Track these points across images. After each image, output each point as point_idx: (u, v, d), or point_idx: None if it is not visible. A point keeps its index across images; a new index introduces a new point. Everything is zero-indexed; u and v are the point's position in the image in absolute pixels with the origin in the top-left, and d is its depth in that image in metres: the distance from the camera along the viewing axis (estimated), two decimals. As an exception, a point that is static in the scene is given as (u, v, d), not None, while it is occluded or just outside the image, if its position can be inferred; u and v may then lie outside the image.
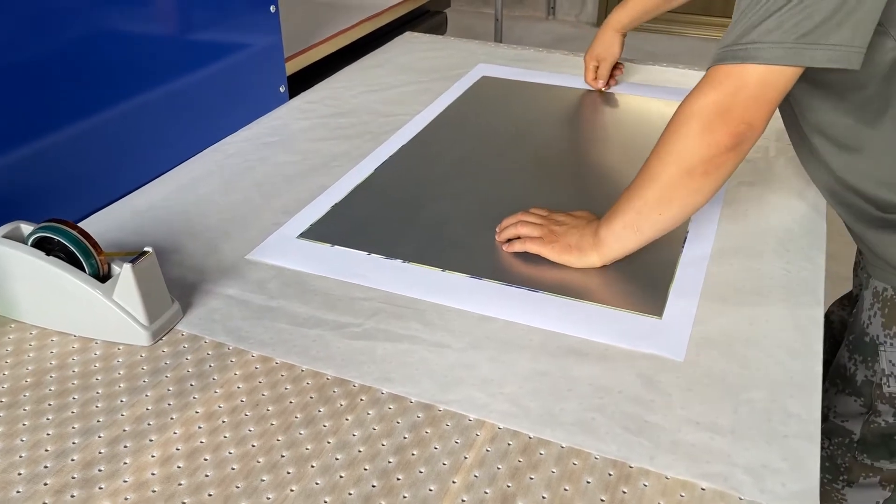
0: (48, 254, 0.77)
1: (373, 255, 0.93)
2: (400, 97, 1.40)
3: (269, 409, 0.70)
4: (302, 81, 1.50)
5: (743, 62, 0.75)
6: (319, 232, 0.97)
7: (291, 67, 1.52)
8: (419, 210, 1.03)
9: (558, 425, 0.68)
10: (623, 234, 0.86)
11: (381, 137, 1.23)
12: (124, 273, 0.75)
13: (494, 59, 1.59)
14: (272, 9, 1.29)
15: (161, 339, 0.79)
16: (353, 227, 0.98)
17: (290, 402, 0.71)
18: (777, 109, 0.81)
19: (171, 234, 0.97)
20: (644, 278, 0.88)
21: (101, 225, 0.99)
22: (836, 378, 1.00)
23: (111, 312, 0.76)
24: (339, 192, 1.07)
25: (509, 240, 0.93)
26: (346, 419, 0.69)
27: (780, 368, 0.75)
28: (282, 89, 1.37)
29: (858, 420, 0.97)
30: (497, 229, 0.95)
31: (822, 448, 1.01)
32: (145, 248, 0.77)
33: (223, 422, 0.68)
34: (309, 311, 0.83)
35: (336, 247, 0.94)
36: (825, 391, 1.01)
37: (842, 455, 1.00)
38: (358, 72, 1.52)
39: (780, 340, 0.79)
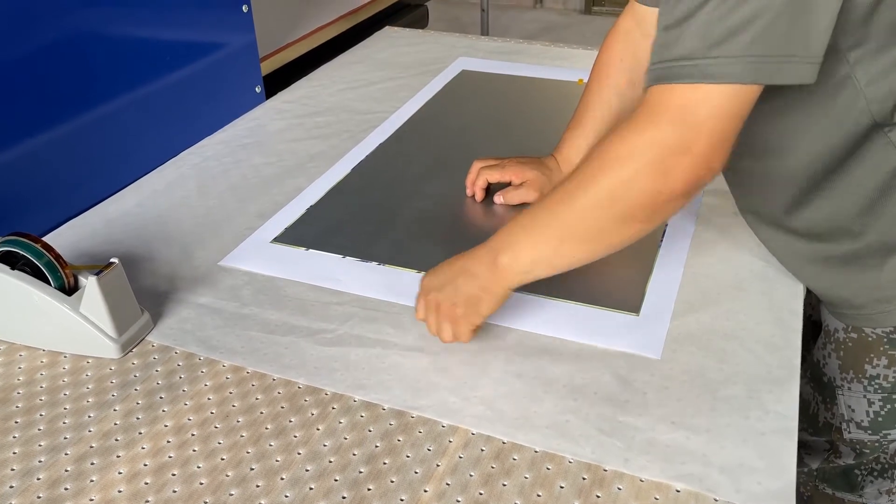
0: (13, 268, 0.76)
1: (347, 257, 0.91)
2: (378, 94, 1.38)
3: (240, 420, 0.69)
4: (281, 80, 1.49)
5: (703, 81, 0.61)
6: (294, 236, 0.96)
7: (269, 66, 1.50)
8: (396, 210, 1.02)
9: (532, 428, 0.67)
10: (533, 269, 0.72)
11: (359, 136, 1.22)
12: (90, 286, 0.73)
13: (475, 52, 1.57)
14: (244, 8, 1.27)
15: (131, 350, 0.77)
16: (329, 230, 0.97)
17: (261, 413, 0.70)
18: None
19: (144, 241, 0.96)
20: (621, 274, 0.87)
21: (73, 234, 0.98)
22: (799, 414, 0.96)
23: (78, 326, 0.75)
24: (314, 194, 1.05)
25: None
26: (317, 429, 0.68)
27: (758, 363, 0.74)
28: (258, 89, 1.35)
29: (818, 457, 0.95)
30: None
31: None
32: (111, 260, 0.76)
33: (192, 435, 0.67)
34: (282, 318, 0.82)
35: (311, 250, 0.93)
36: None
37: (804, 483, 0.98)
38: (336, 69, 1.51)
39: (758, 334, 0.78)
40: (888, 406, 0.84)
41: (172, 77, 1.17)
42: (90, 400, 0.72)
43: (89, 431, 0.68)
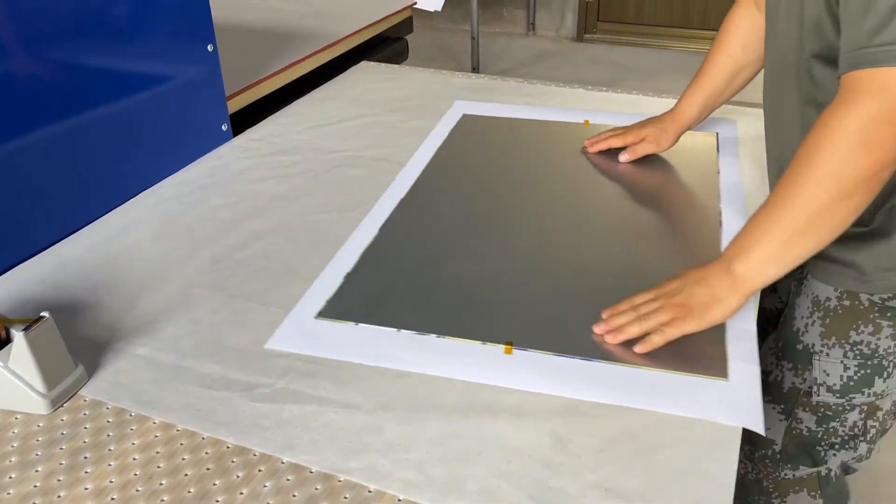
0: (-58, 321, 0.74)
1: (403, 331, 0.85)
2: (348, 132, 1.37)
3: (163, 483, 0.67)
4: (254, 116, 1.48)
5: None
6: (338, 309, 0.89)
7: (241, 102, 1.50)
8: (437, 274, 0.95)
9: (462, 494, 0.65)
10: (765, 268, 0.78)
11: (323, 176, 1.21)
12: (17, 341, 0.72)
13: (450, 88, 1.56)
14: (209, 48, 1.27)
15: (62, 405, 0.76)
16: (373, 301, 0.90)
17: (186, 475, 0.68)
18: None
19: (90, 288, 0.94)
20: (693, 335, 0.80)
21: (22, 278, 0.97)
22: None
23: (6, 380, 0.74)
24: (347, 259, 0.98)
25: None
26: (241, 493, 0.66)
27: (700, 424, 0.72)
28: (224, 128, 1.35)
29: (779, 427, 0.96)
30: (602, 330, 0.82)
31: (748, 472, 1.00)
32: (42, 314, 0.75)
33: (112, 499, 0.65)
34: (220, 371, 0.80)
35: (360, 325, 0.86)
36: None
37: (766, 476, 1.00)
38: (307, 106, 1.50)
39: (704, 391, 0.76)
40: (861, 372, 0.89)
41: (134, 117, 1.16)
42: (13, 459, 0.70)
43: (8, 494, 0.66)
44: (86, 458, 0.70)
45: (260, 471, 0.68)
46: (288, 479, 0.67)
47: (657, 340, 0.79)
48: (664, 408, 0.73)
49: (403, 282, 0.94)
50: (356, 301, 0.90)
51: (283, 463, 0.69)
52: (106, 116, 1.12)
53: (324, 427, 0.73)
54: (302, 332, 0.86)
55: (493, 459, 0.69)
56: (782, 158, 0.91)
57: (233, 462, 0.69)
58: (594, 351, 0.80)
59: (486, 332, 0.84)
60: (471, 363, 0.80)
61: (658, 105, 1.38)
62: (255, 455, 0.70)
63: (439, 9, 3.18)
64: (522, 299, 0.90)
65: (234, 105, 1.49)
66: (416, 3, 2.17)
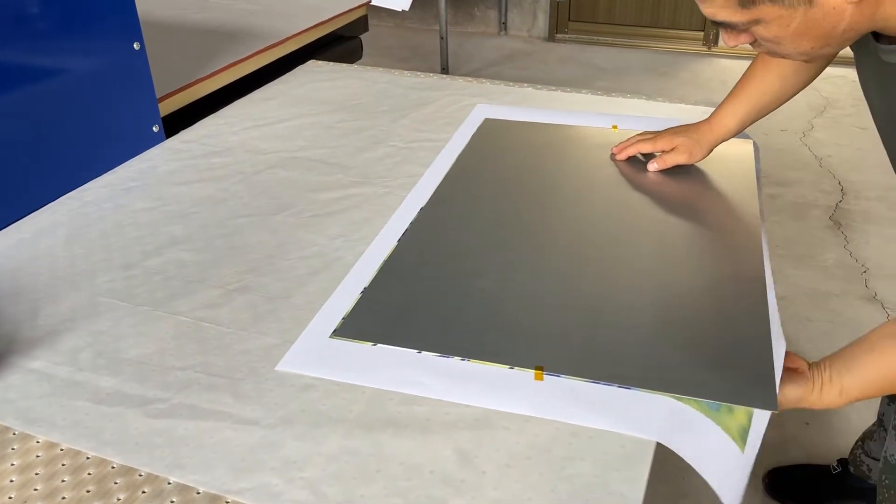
0: None
1: (424, 353, 0.79)
2: (285, 132, 1.33)
3: (36, 507, 0.63)
4: (196, 117, 1.43)
5: None
6: (355, 328, 0.82)
7: (179, 102, 1.45)
8: (462, 292, 0.88)
9: (354, 515, 0.62)
10: (871, 393, 0.75)
11: (252, 178, 1.17)
12: None
13: (397, 87, 1.53)
14: (136, 46, 1.22)
15: (-59, 425, 0.72)
16: (392, 319, 0.84)
17: (63, 498, 0.64)
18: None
19: (-8, 297, 0.90)
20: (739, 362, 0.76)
21: (-78, 288, 0.92)
22: None
23: None
24: (364, 273, 0.92)
25: None
26: (119, 517, 0.62)
27: (612, 437, 0.69)
28: (155, 129, 1.30)
29: None
30: None
31: None
32: (-83, 327, 0.70)
33: (-21, 526, 0.61)
34: (115, 385, 0.76)
35: (379, 346, 0.80)
36: (883, 439, 0.98)
37: None
38: (246, 106, 1.46)
39: (622, 401, 0.73)
40: None
41: (53, 117, 1.12)
42: None
43: None
44: (-42, 481, 0.66)
45: (144, 492, 0.64)
46: (172, 502, 0.63)
47: None
48: (701, 459, 0.67)
49: (424, 299, 0.87)
50: (374, 319, 0.84)
51: (169, 483, 0.65)
52: (22, 117, 1.07)
53: (218, 444, 0.69)
54: (315, 352, 0.80)
55: (392, 476, 0.65)
56: None
57: (115, 483, 0.65)
58: (632, 378, 0.73)
59: (514, 356, 0.77)
60: (497, 389, 0.73)
61: (690, 114, 1.23)
62: (140, 475, 0.66)
63: (406, 8, 3.14)
64: (553, 320, 0.83)
65: (173, 105, 1.45)
66: (371, 2, 2.13)
